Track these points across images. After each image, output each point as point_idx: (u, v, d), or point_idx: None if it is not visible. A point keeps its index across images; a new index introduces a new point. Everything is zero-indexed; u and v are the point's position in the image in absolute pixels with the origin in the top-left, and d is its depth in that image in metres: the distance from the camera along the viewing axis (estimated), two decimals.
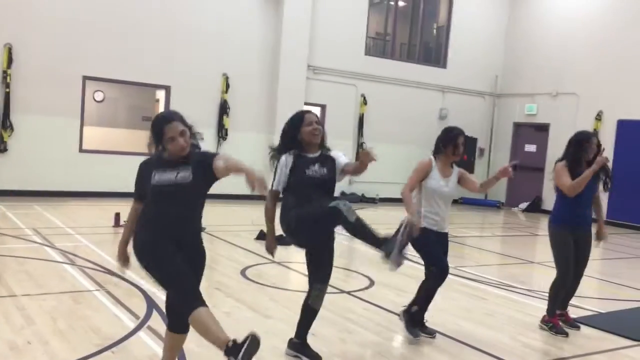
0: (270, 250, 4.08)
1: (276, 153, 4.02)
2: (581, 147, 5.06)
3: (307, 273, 4.13)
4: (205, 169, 3.21)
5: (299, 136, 3.93)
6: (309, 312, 4.10)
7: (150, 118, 14.62)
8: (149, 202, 3.23)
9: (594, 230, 5.31)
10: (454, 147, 4.62)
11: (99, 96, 14.24)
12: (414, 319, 4.81)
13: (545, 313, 5.30)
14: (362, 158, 3.74)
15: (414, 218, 4.11)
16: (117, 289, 5.46)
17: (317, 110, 13.74)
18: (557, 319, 5.20)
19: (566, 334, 5.11)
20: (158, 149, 3.28)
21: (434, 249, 4.70)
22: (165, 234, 3.18)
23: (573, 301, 5.76)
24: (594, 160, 5.01)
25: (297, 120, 3.96)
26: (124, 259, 3.45)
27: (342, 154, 4.14)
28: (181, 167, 3.21)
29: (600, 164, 4.93)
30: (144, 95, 14.21)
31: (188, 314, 3.01)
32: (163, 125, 3.19)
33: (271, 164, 4.06)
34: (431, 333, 4.83)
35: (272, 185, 3.94)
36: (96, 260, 6.57)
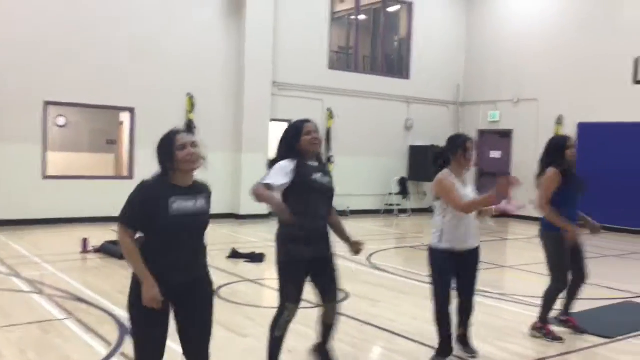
0: (284, 211, 3.61)
1: (274, 161, 3.88)
2: (561, 152, 5.04)
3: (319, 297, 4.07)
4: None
5: (298, 145, 3.83)
6: (324, 327, 4.16)
7: (114, 141, 14.60)
8: (160, 234, 2.89)
9: None
10: (464, 151, 4.32)
11: (61, 121, 14.00)
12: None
13: (536, 320, 5.25)
14: (353, 245, 4.02)
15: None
16: (88, 316, 5.33)
17: (283, 126, 13.73)
18: (549, 326, 5.19)
19: (562, 339, 5.08)
20: (164, 168, 2.97)
21: (446, 275, 4.40)
22: (175, 275, 2.93)
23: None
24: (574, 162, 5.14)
25: (297, 130, 3.87)
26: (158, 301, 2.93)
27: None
28: (196, 194, 3.01)
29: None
30: (108, 119, 14.03)
31: None
32: (173, 135, 2.97)
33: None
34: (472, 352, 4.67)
35: (264, 179, 3.71)
36: (65, 287, 6.41)
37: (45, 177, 11.19)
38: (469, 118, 16.72)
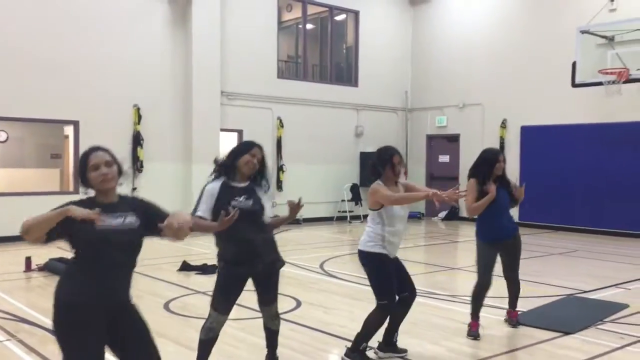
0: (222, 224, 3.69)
1: (214, 171, 4.09)
2: (491, 165, 5.33)
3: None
4: (151, 220, 2.91)
5: (236, 161, 4.00)
6: (268, 333, 4.36)
7: (59, 155, 14.20)
8: (86, 251, 2.82)
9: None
10: (392, 167, 4.52)
11: (1, 136, 13.54)
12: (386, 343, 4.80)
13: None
14: (292, 209, 4.10)
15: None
16: (30, 337, 5.15)
17: (233, 136, 13.67)
18: (475, 323, 5.36)
19: (475, 337, 5.26)
20: (84, 188, 2.94)
21: (392, 280, 4.53)
22: (102, 295, 2.84)
23: (495, 302, 5.99)
24: (502, 176, 5.43)
25: (243, 148, 4.06)
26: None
27: (268, 207, 4.12)
28: (122, 211, 2.90)
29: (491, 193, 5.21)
30: (52, 132, 13.65)
31: None
32: (86, 156, 2.90)
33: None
34: (401, 352, 4.81)
35: (195, 211, 3.93)
36: (6, 308, 6.18)
37: None
38: (417, 123, 16.99)
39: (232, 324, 5.10)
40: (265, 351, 4.41)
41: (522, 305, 6.42)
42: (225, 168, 4.04)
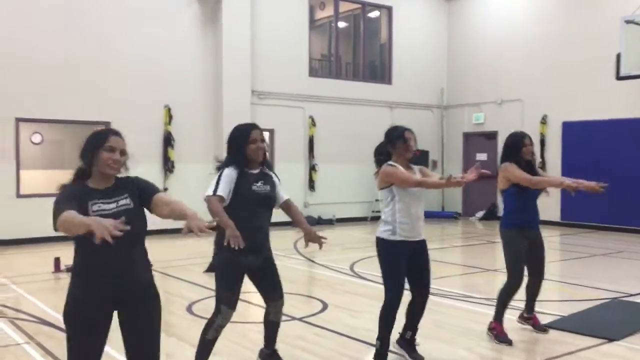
0: (235, 236, 3.59)
1: (222, 165, 3.96)
2: (518, 148, 4.99)
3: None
4: (143, 197, 2.88)
5: (244, 152, 3.88)
6: (272, 326, 4.21)
7: None
8: (83, 242, 2.70)
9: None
10: (404, 142, 4.27)
11: (36, 138, 13.69)
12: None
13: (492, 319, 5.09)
14: (308, 238, 3.95)
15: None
16: (49, 340, 5.05)
17: (265, 136, 13.51)
18: (500, 326, 5.02)
19: (510, 343, 4.90)
20: (82, 169, 2.85)
21: (397, 271, 4.27)
22: (110, 281, 2.76)
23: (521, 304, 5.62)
24: (532, 159, 5.06)
25: (243, 137, 3.90)
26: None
27: (281, 187, 4.09)
28: (117, 195, 2.81)
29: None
30: (87, 134, 13.71)
31: None
32: (106, 135, 2.84)
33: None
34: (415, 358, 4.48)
35: (216, 191, 3.76)
36: (30, 310, 6.13)
37: (20, 195, 10.90)
38: (454, 121, 16.57)
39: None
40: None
41: (562, 310, 6.05)
42: (236, 159, 3.89)
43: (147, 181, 3.00)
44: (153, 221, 2.98)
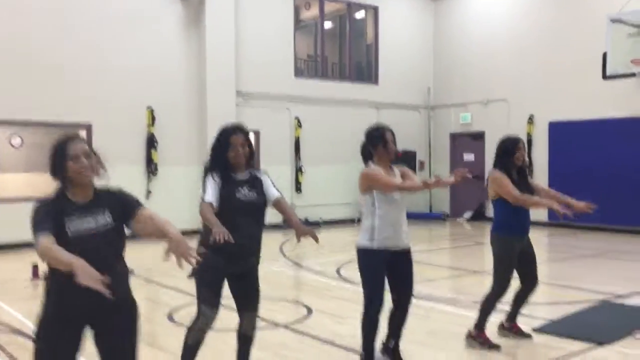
0: (221, 231, 3.33)
1: (206, 170, 3.76)
2: (510, 154, 4.86)
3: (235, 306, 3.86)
4: (124, 213, 2.72)
5: (225, 156, 3.69)
6: (244, 340, 3.95)
7: None
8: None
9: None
10: (384, 144, 4.15)
11: (16, 141, 13.42)
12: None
13: (473, 327, 4.92)
14: (299, 233, 3.63)
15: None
16: (21, 350, 4.84)
17: (251, 137, 13.33)
18: (485, 334, 4.88)
19: (499, 347, 4.79)
20: (58, 181, 2.69)
21: (377, 280, 4.15)
22: (86, 300, 2.56)
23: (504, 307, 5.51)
24: (524, 164, 4.93)
25: (223, 141, 3.71)
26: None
27: (272, 183, 3.85)
28: (97, 210, 2.67)
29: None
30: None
31: None
32: (65, 144, 2.64)
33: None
34: None
35: (205, 197, 3.57)
36: (5, 319, 5.92)
37: None
38: (440, 121, 16.48)
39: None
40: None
41: (550, 313, 5.94)
42: (219, 163, 3.69)
43: (130, 195, 2.85)
44: None
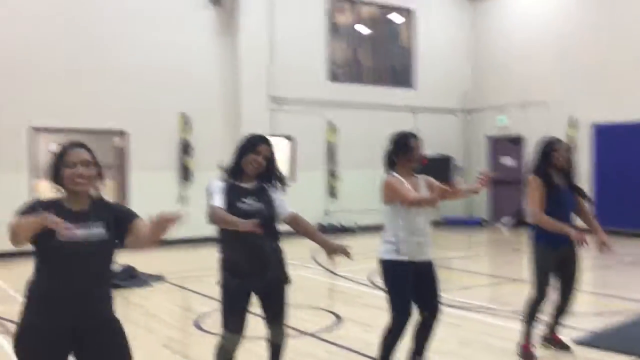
0: (246, 224, 3.28)
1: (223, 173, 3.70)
2: (548, 155, 4.59)
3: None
4: (118, 226, 2.63)
5: (241, 162, 3.59)
6: (273, 347, 3.82)
7: (109, 166, 14.22)
8: (49, 265, 2.52)
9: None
10: (408, 151, 3.97)
11: (54, 148, 13.70)
12: None
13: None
14: (332, 254, 3.64)
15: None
16: None
17: (284, 142, 13.27)
18: (527, 344, 4.64)
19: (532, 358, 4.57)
20: (56, 187, 2.63)
21: (404, 292, 4.00)
22: (64, 314, 2.50)
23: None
24: (568, 167, 4.63)
25: (247, 146, 3.62)
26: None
27: (283, 200, 3.68)
28: (91, 220, 2.58)
29: None
30: (103, 143, 13.68)
31: None
32: (65, 150, 2.59)
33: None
34: None
35: (214, 201, 3.48)
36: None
37: None
38: (477, 125, 16.12)
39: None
40: None
41: (593, 324, 5.63)
42: (231, 168, 3.63)
43: (126, 207, 2.85)
44: None
